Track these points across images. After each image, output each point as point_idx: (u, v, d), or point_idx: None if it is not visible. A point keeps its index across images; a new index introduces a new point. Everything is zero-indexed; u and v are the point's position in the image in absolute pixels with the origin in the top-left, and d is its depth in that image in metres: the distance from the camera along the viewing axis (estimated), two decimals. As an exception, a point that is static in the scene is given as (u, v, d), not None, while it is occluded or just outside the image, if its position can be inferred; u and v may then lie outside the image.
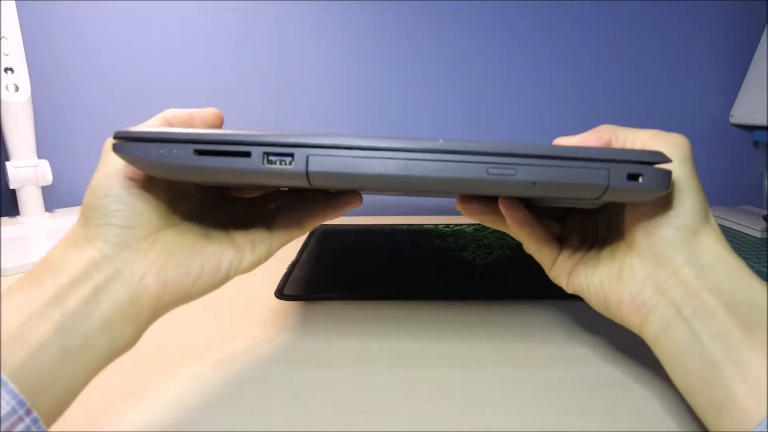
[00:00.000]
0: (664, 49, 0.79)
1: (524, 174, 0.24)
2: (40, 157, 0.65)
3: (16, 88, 0.62)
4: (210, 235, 0.30)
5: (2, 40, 0.61)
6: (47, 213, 0.68)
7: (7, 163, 0.63)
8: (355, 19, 0.75)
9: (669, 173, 0.25)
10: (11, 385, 0.20)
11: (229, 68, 0.75)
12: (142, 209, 0.26)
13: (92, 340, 0.23)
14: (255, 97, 0.77)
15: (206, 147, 0.24)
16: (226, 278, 0.30)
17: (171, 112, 0.29)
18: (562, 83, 0.80)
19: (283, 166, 0.24)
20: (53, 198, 0.75)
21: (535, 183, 0.24)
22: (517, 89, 0.79)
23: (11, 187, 0.64)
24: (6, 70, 0.62)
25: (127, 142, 0.24)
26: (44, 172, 0.65)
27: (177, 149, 0.24)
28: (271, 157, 0.24)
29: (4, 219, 0.68)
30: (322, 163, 0.24)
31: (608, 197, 0.25)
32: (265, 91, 0.77)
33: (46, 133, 0.73)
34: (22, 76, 0.63)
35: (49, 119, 0.73)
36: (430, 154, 0.24)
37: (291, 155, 0.24)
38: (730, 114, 0.81)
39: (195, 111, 0.30)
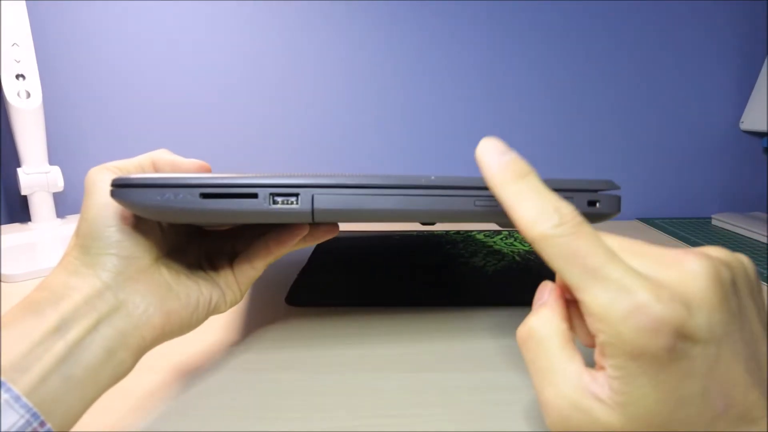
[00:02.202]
0: (674, 54, 0.79)
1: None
2: (51, 163, 0.66)
3: (28, 95, 0.63)
4: (198, 270, 0.31)
5: (14, 46, 0.62)
6: (58, 219, 0.68)
7: (18, 169, 0.63)
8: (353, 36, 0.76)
9: (619, 198, 0.30)
10: (24, 399, 0.20)
11: (243, 78, 0.76)
12: (141, 240, 0.27)
13: (95, 370, 0.23)
14: (265, 111, 0.77)
15: (214, 190, 0.25)
16: (212, 313, 0.31)
17: (158, 155, 0.30)
18: (571, 87, 0.80)
19: (288, 206, 0.26)
20: (64, 204, 0.75)
21: None
22: (522, 95, 0.79)
23: (23, 193, 0.64)
24: (18, 76, 0.62)
25: (128, 189, 0.25)
26: (55, 179, 0.65)
27: (183, 194, 0.25)
28: (276, 198, 0.26)
29: (16, 225, 0.68)
30: (326, 201, 0.26)
31: None
32: (274, 101, 0.77)
33: (58, 140, 0.74)
34: (33, 82, 0.63)
35: (60, 126, 0.74)
36: (424, 190, 0.27)
37: (296, 195, 0.26)
38: (741, 120, 0.81)
39: (179, 161, 0.31)
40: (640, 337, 0.18)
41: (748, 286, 0.21)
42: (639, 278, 0.19)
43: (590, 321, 0.20)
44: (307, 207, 0.26)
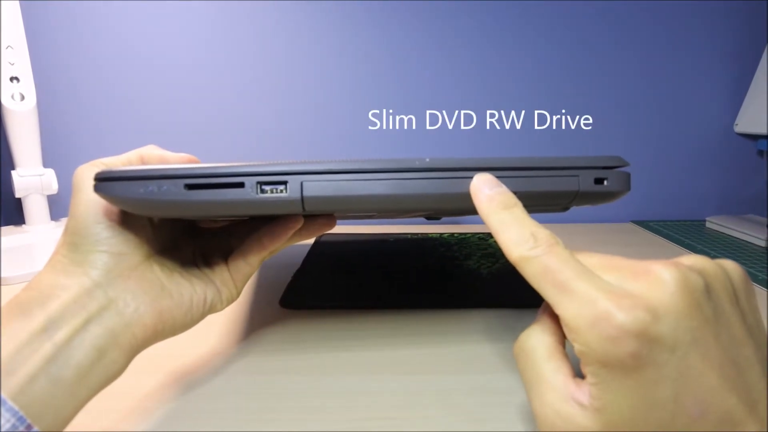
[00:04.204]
0: (668, 57, 0.79)
1: (505, 185, 0.26)
2: (45, 166, 0.66)
3: (22, 97, 0.63)
4: (192, 268, 0.30)
5: (8, 49, 0.62)
6: (53, 222, 0.68)
7: (12, 171, 0.63)
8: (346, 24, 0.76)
9: (628, 176, 0.28)
10: (10, 403, 0.20)
11: (235, 80, 0.76)
12: (131, 237, 0.27)
13: (85, 370, 0.23)
14: (259, 108, 0.77)
15: (198, 181, 0.24)
16: (208, 312, 0.30)
17: (147, 151, 0.30)
18: (567, 90, 0.80)
19: (277, 194, 0.25)
20: (59, 207, 0.75)
21: (515, 193, 0.26)
22: (519, 96, 0.80)
23: (17, 195, 0.64)
24: (12, 79, 0.62)
25: (111, 182, 0.24)
26: (50, 181, 0.65)
27: (166, 185, 0.24)
28: (264, 186, 0.24)
29: (10, 228, 0.68)
30: (316, 188, 0.25)
31: (578, 201, 0.28)
32: (272, 100, 0.77)
33: (52, 142, 0.73)
34: (27, 85, 0.63)
35: (54, 128, 0.74)
36: (419, 173, 0.26)
37: (285, 183, 0.25)
38: (735, 123, 0.82)
39: (168, 155, 0.30)
40: (605, 344, 0.19)
41: (727, 292, 0.21)
42: (603, 290, 0.20)
43: (566, 332, 0.21)
44: (297, 195, 0.25)
